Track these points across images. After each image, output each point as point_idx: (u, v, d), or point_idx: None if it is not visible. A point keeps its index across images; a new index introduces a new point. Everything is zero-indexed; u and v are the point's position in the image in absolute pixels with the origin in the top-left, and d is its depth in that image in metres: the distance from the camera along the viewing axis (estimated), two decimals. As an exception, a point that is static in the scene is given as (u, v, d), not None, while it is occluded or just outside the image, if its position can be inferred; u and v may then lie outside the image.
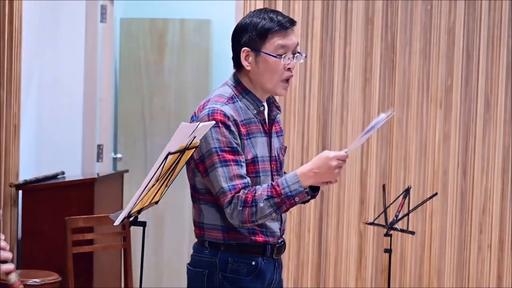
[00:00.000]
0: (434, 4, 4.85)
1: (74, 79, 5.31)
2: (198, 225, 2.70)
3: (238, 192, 2.55)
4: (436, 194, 3.91)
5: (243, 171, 2.59)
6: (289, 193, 2.53)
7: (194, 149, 2.54)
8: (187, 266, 2.75)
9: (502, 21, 4.81)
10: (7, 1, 4.40)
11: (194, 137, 2.43)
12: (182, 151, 2.43)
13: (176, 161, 2.45)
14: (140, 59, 6.15)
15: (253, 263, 2.67)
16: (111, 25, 5.54)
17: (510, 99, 4.82)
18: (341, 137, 4.89)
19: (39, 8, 4.93)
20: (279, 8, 4.83)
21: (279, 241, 2.76)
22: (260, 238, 2.68)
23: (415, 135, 4.87)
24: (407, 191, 3.49)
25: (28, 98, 4.77)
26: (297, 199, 2.53)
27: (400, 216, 3.46)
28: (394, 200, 3.62)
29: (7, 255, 2.01)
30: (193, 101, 6.08)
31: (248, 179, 2.59)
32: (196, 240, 2.74)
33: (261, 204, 2.53)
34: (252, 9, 4.83)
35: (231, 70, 4.41)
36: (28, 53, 4.68)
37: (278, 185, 2.54)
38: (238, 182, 2.55)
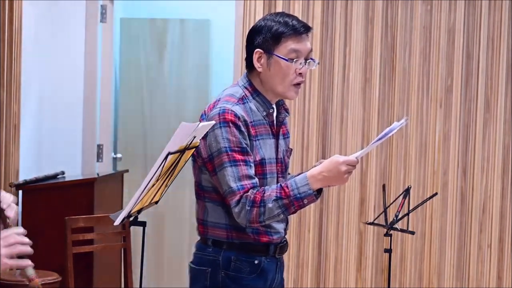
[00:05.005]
0: (434, 4, 4.85)
1: (74, 79, 5.31)
2: (202, 223, 2.69)
3: (247, 192, 2.55)
4: (436, 194, 3.91)
5: (252, 171, 2.59)
6: (298, 195, 2.53)
7: (194, 149, 2.54)
8: (189, 265, 2.75)
9: (502, 21, 4.81)
10: (7, 1, 4.40)
11: (194, 137, 2.43)
12: (182, 151, 2.43)
13: (176, 161, 2.45)
14: (140, 59, 6.15)
15: (256, 262, 2.68)
16: (111, 25, 5.53)
17: (510, 99, 4.82)
18: (341, 137, 4.89)
19: (39, 8, 4.92)
20: (279, 8, 4.83)
21: (282, 240, 2.77)
22: (264, 238, 2.68)
23: (415, 135, 4.87)
24: (407, 191, 3.48)
25: (28, 98, 4.76)
26: (305, 201, 2.54)
27: (400, 216, 3.46)
28: (394, 200, 3.62)
29: (27, 249, 2.01)
30: (193, 101, 6.08)
31: (256, 180, 2.59)
32: (198, 238, 2.74)
33: (270, 205, 2.53)
34: (252, 9, 4.84)
35: (231, 70, 4.38)
36: (28, 53, 4.68)
37: (287, 187, 2.54)
38: (247, 182, 2.56)
